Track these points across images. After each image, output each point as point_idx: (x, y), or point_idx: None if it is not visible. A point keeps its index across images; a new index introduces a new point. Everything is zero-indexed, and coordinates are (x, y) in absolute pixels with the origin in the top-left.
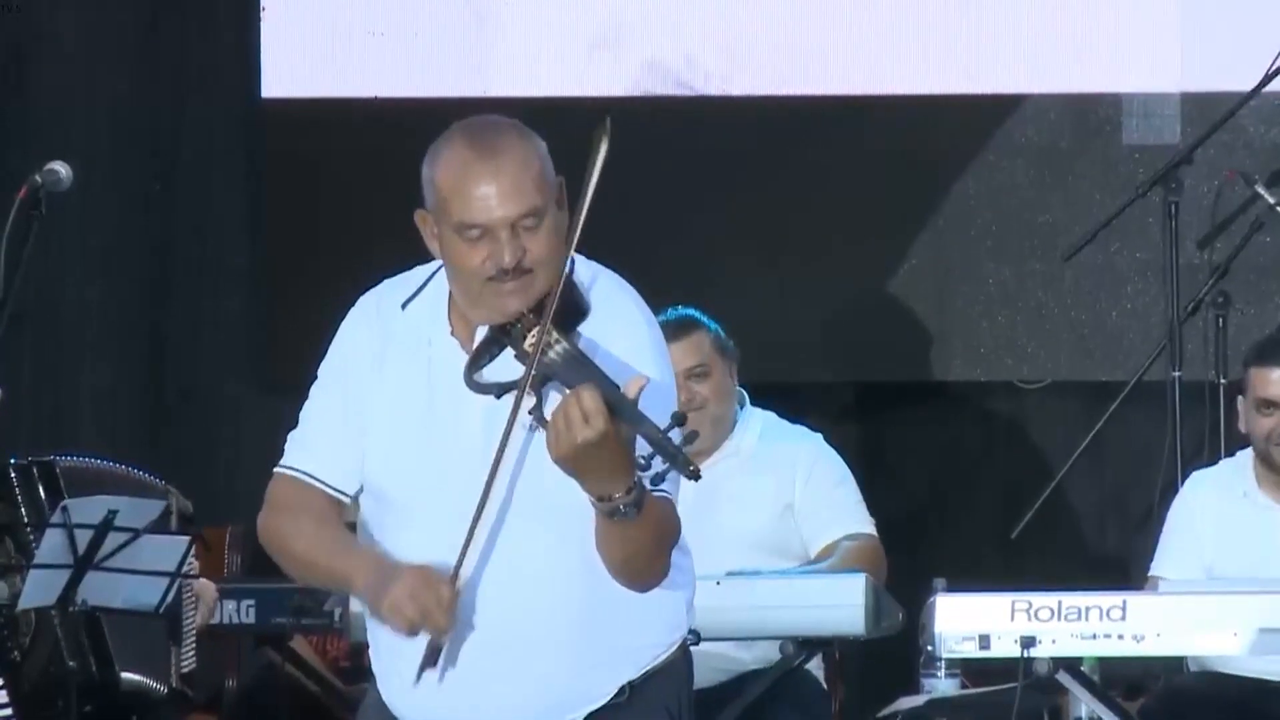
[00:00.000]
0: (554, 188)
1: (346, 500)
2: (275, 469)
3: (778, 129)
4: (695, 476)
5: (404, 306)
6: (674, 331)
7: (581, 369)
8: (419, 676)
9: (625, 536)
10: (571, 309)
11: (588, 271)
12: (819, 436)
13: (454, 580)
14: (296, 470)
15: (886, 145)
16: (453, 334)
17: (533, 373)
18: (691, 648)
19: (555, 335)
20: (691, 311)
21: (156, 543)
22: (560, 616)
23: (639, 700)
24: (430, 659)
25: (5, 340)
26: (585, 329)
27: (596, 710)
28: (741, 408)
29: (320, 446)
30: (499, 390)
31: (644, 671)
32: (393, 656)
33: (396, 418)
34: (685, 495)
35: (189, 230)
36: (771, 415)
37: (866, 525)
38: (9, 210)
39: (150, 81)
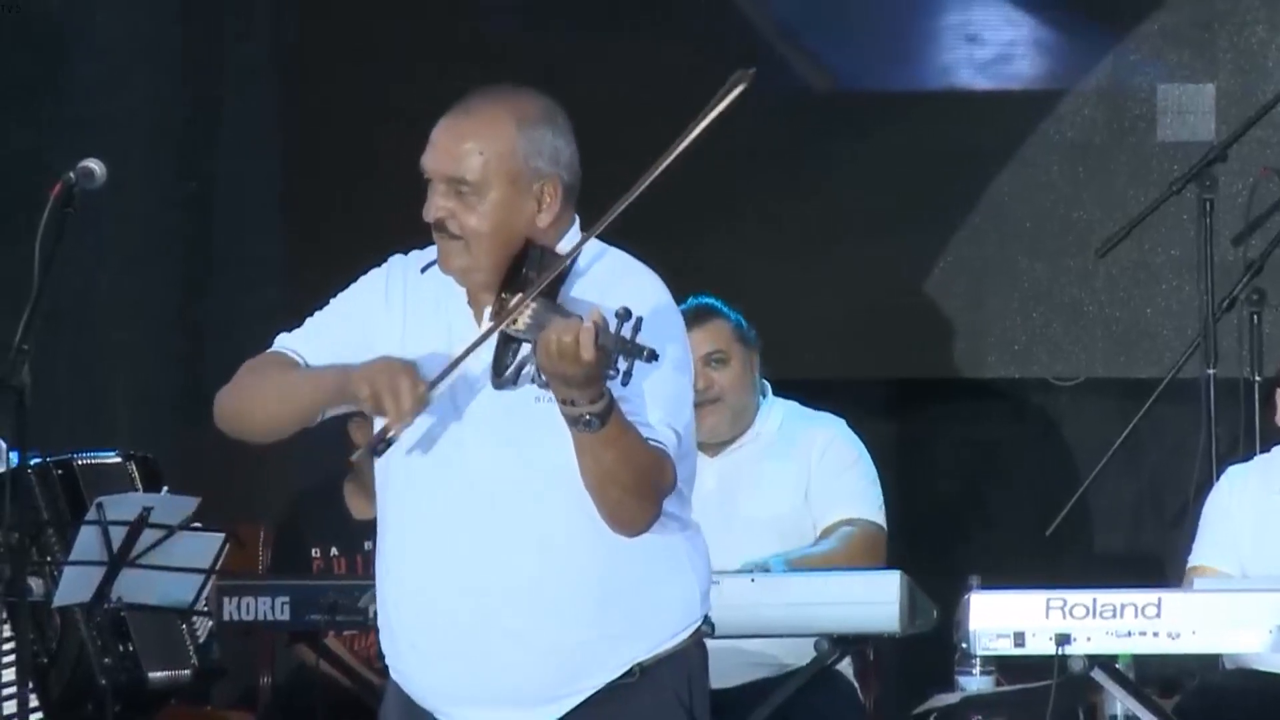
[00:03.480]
0: (521, 173)
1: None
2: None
3: (813, 124)
4: (654, 358)
5: (423, 271)
6: (692, 318)
7: (555, 312)
8: (364, 451)
9: (595, 456)
10: (551, 262)
11: (595, 248)
12: (841, 421)
13: (431, 386)
14: (286, 349)
15: (922, 142)
16: (469, 303)
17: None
18: (725, 644)
19: (534, 302)
20: (710, 299)
21: (190, 539)
22: (574, 585)
23: (649, 683)
24: (379, 442)
25: (41, 338)
26: (576, 290)
27: (605, 690)
28: (764, 398)
29: (315, 341)
30: (515, 375)
31: (655, 653)
32: (401, 630)
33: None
34: (707, 481)
35: (225, 227)
36: (794, 404)
37: (871, 512)
38: (45, 208)
39: (186, 79)
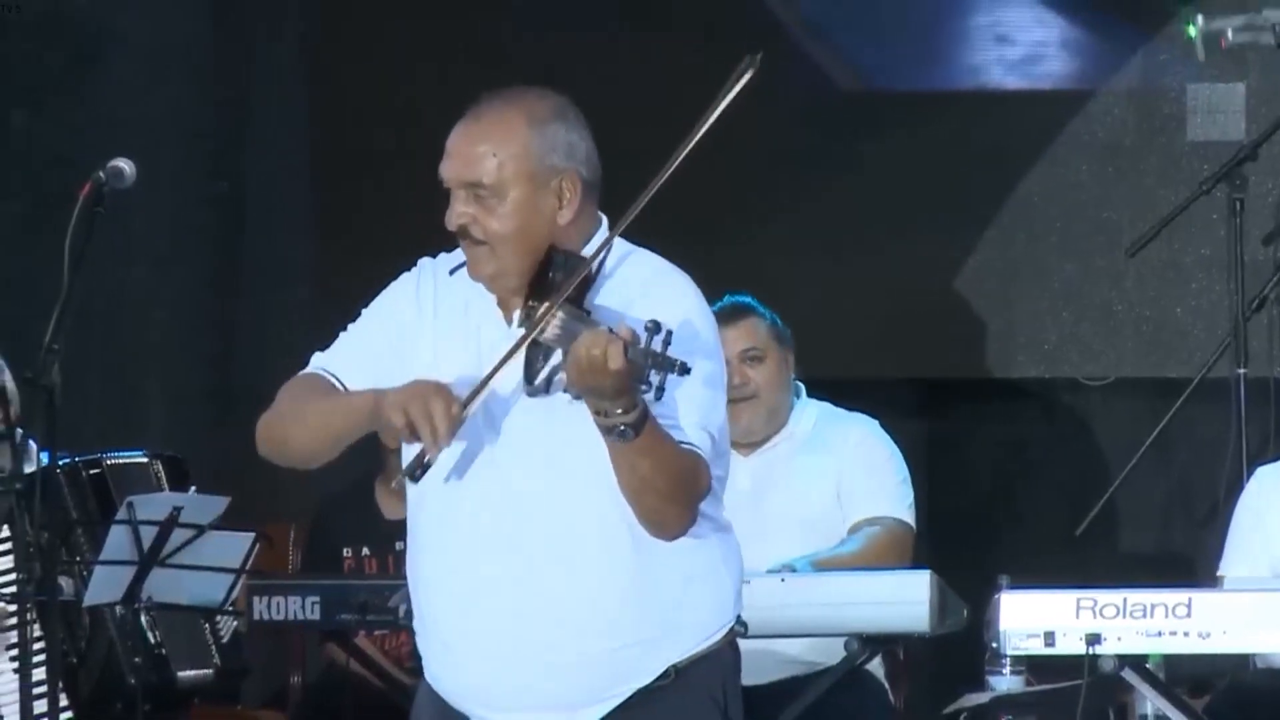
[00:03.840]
0: (538, 171)
1: None
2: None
3: (843, 124)
4: (686, 371)
5: (452, 273)
6: (727, 316)
7: (582, 323)
8: (406, 478)
9: (630, 464)
10: (577, 266)
11: (623, 249)
12: (873, 421)
13: (465, 405)
14: (321, 370)
15: (952, 142)
16: (498, 305)
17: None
18: (755, 643)
19: (560, 310)
20: (746, 298)
21: (221, 539)
22: (610, 590)
23: (684, 684)
24: (417, 468)
25: (71, 337)
26: (605, 293)
27: (641, 692)
28: (798, 397)
29: (349, 359)
30: (547, 383)
31: (690, 655)
32: (435, 633)
33: (440, 376)
34: (741, 480)
35: (255, 227)
36: (827, 404)
37: (899, 510)
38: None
39: (216, 79)
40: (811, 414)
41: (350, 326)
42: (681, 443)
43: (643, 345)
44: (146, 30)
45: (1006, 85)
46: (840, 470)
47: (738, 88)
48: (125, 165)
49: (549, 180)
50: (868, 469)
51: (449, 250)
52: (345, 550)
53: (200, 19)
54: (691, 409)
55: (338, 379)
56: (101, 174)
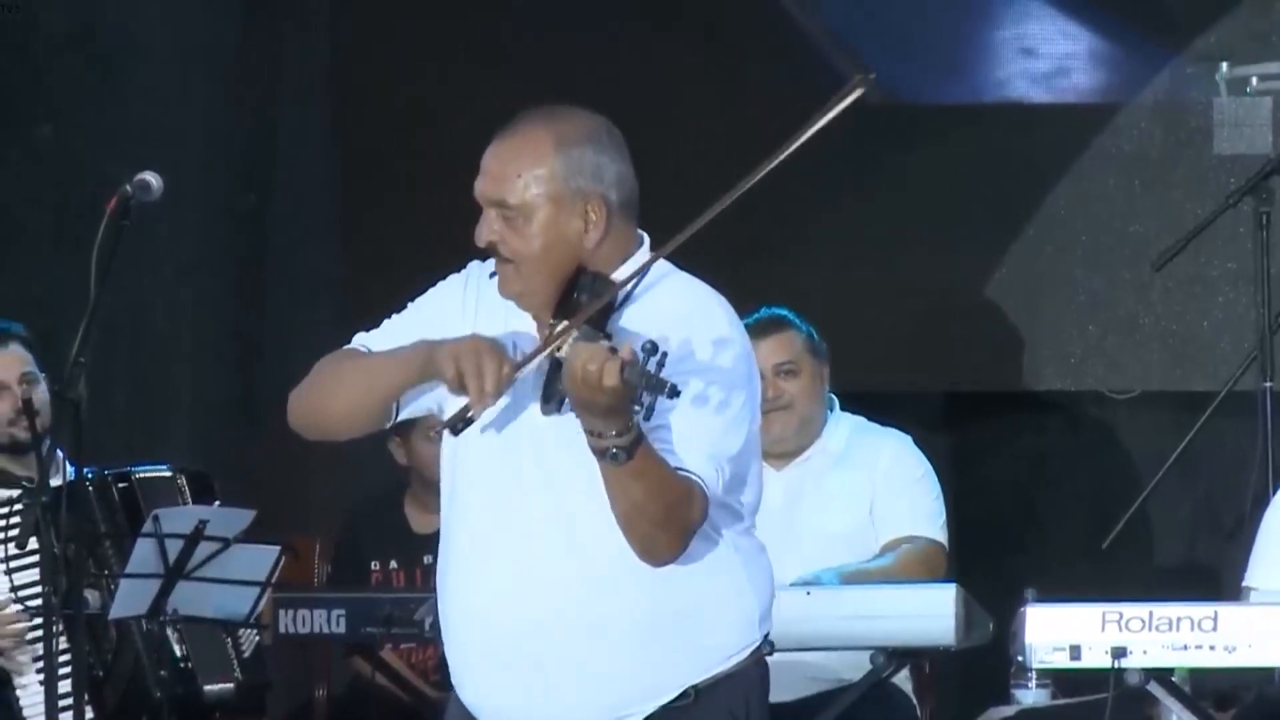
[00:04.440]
0: (564, 193)
1: (390, 409)
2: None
3: (869, 136)
4: (675, 394)
5: (491, 276)
6: (764, 328)
7: (596, 341)
8: (444, 429)
9: (622, 488)
10: (604, 289)
11: (659, 271)
12: (907, 437)
13: (518, 368)
14: (362, 346)
15: (979, 154)
16: (534, 318)
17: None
18: (781, 657)
19: (577, 330)
20: (783, 311)
21: (246, 552)
22: (628, 610)
23: (705, 704)
24: (459, 420)
25: (98, 350)
26: (632, 316)
27: (661, 710)
28: (831, 411)
29: (390, 339)
30: (560, 401)
31: (711, 675)
32: (459, 647)
33: None
34: (773, 494)
35: (282, 239)
36: (860, 418)
37: (933, 530)
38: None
39: (243, 90)
40: (845, 428)
41: (395, 315)
42: (678, 469)
43: (639, 367)
44: (172, 42)
45: (1033, 98)
46: (873, 487)
47: (842, 103)
48: (152, 179)
49: (574, 203)
50: (901, 487)
51: (482, 259)
52: (373, 563)
53: (226, 31)
54: (699, 437)
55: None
56: (128, 187)
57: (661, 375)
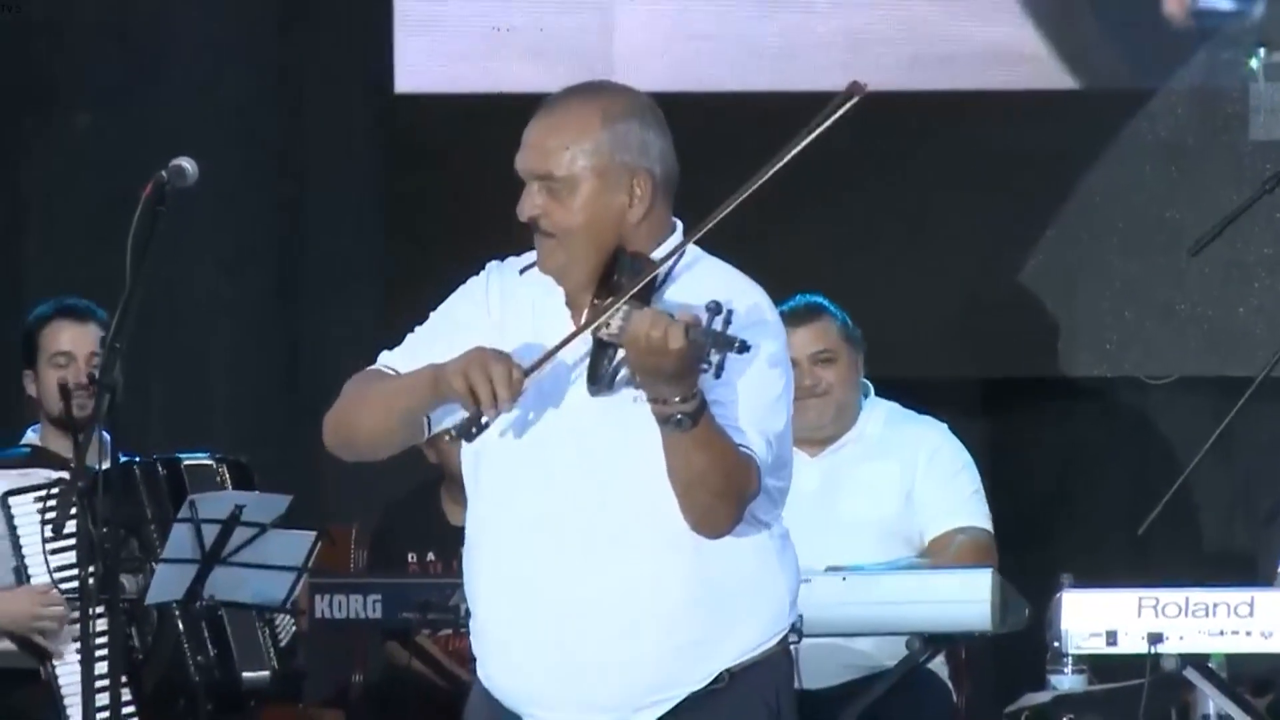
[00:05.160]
0: (610, 167)
1: (423, 423)
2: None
3: (904, 124)
4: (745, 348)
5: (522, 273)
6: (800, 316)
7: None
8: (457, 434)
9: (685, 457)
10: (644, 268)
11: (691, 256)
12: (944, 425)
13: (528, 372)
14: (386, 367)
15: (1014, 141)
16: (567, 303)
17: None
18: (817, 644)
19: (625, 305)
20: (818, 298)
21: (282, 538)
22: (666, 592)
23: (737, 689)
24: (472, 426)
25: (136, 340)
26: (670, 296)
27: (694, 696)
28: (865, 397)
29: (416, 358)
30: (611, 380)
31: (744, 660)
32: (491, 632)
33: None
34: (808, 482)
35: (320, 230)
36: (895, 405)
37: (981, 519)
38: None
39: (281, 79)
40: (880, 414)
41: (418, 328)
42: (739, 445)
43: (704, 323)
44: (210, 31)
45: (1068, 84)
46: (913, 477)
47: (839, 113)
48: (187, 164)
49: (620, 177)
50: (946, 479)
51: (516, 253)
52: (410, 555)
53: (264, 19)
54: (750, 411)
55: (400, 374)
56: (163, 173)
57: (728, 332)
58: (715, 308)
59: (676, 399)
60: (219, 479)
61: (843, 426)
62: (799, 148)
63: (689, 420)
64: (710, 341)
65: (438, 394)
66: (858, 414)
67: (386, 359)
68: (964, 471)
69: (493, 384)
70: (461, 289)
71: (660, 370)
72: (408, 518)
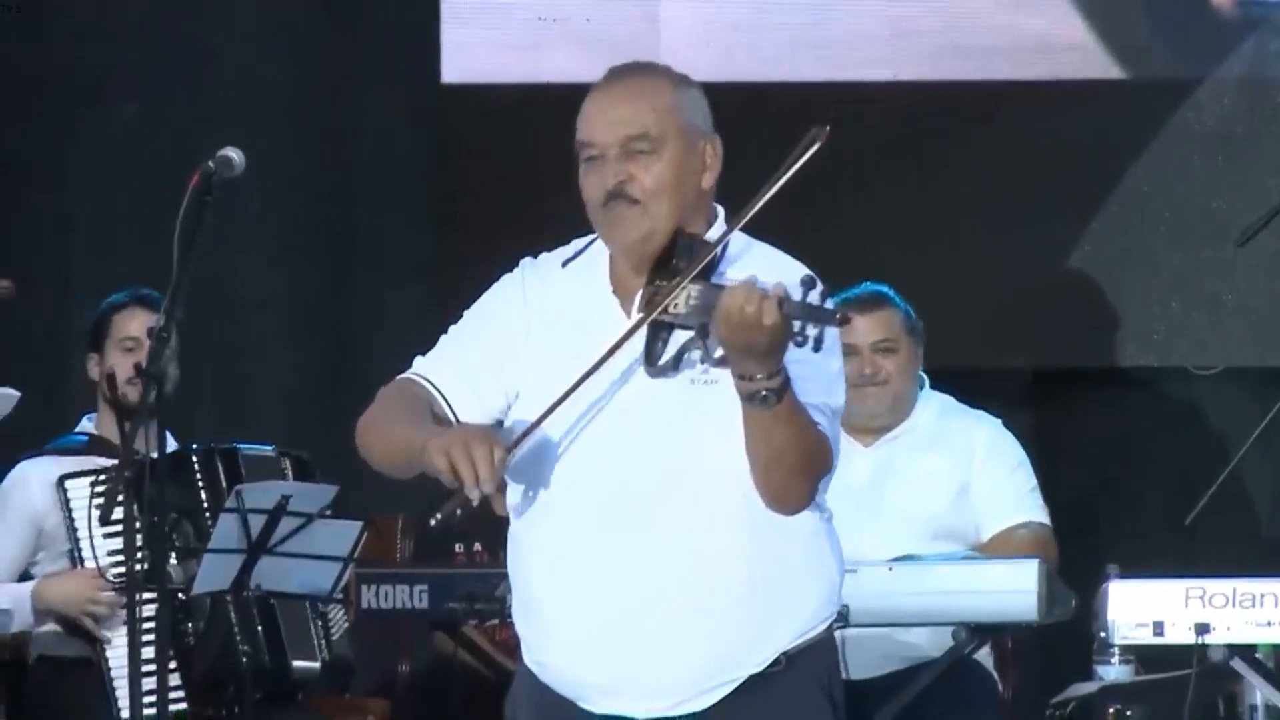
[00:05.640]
0: (689, 129)
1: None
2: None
3: (948, 114)
4: (845, 321)
5: (565, 265)
6: (864, 304)
7: (718, 292)
8: (438, 520)
9: (767, 434)
10: (702, 250)
11: (742, 241)
12: (998, 421)
13: (510, 449)
14: (418, 375)
15: (1060, 131)
16: (614, 293)
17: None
18: (864, 634)
19: (693, 284)
20: (883, 288)
21: (329, 527)
22: (724, 574)
23: (794, 671)
24: (452, 512)
25: (185, 332)
26: (727, 278)
27: (751, 679)
28: (921, 389)
29: (448, 365)
30: (676, 361)
31: (800, 642)
32: (545, 618)
33: (553, 372)
34: (861, 471)
35: (369, 220)
36: (949, 398)
37: (1040, 514)
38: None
39: (328, 69)
40: (934, 407)
41: (451, 329)
42: (814, 421)
43: (798, 299)
44: (258, 21)
45: (1114, 74)
46: (967, 473)
47: (802, 156)
48: (234, 154)
49: (696, 141)
50: (1003, 475)
51: (562, 242)
52: (457, 546)
53: (310, 9)
54: (819, 391)
55: (434, 385)
56: (210, 163)
57: (825, 305)
58: (810, 281)
59: (762, 375)
60: (282, 472)
61: (898, 417)
62: (772, 191)
63: (774, 396)
64: (807, 315)
65: (422, 463)
66: (914, 405)
67: (420, 366)
68: (1021, 467)
69: (474, 464)
70: (494, 288)
71: (751, 346)
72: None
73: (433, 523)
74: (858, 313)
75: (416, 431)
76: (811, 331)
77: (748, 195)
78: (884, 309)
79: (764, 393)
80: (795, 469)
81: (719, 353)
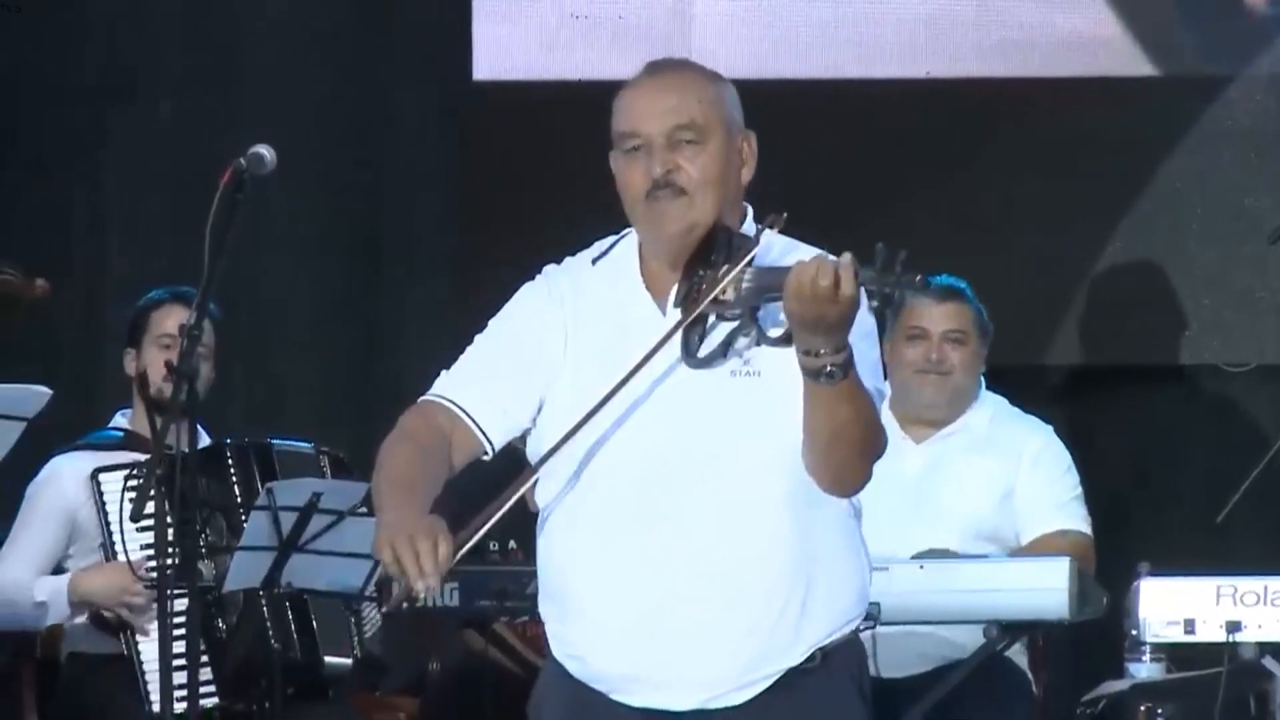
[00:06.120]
0: (729, 123)
1: (487, 448)
2: (420, 400)
3: (982, 111)
4: (925, 286)
5: (594, 263)
6: (942, 294)
7: (778, 274)
8: (390, 607)
9: (830, 411)
10: (742, 244)
11: (782, 240)
12: (1048, 427)
13: (458, 546)
14: (442, 398)
15: (1092, 128)
16: (646, 288)
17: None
18: (895, 631)
19: (744, 272)
20: (960, 283)
21: (360, 525)
22: (764, 569)
23: (829, 667)
24: (400, 602)
25: (217, 329)
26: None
27: (787, 675)
28: (979, 390)
29: (475, 385)
30: (723, 349)
31: (834, 637)
32: (580, 612)
33: (591, 370)
34: (911, 467)
35: (399, 217)
36: (1004, 401)
37: (1082, 523)
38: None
39: (360, 67)
40: (988, 409)
41: (475, 343)
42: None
43: (876, 266)
44: (289, 19)
45: (1147, 71)
46: (1014, 477)
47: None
48: (265, 151)
49: (735, 135)
50: (1049, 481)
51: (587, 243)
52: (491, 543)
53: (342, 7)
54: (867, 376)
55: (458, 405)
56: (242, 160)
57: (909, 272)
58: (884, 249)
59: (829, 350)
60: (321, 469)
61: (954, 412)
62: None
63: (840, 372)
64: (886, 281)
65: (374, 551)
66: (970, 404)
67: (444, 387)
68: (1068, 474)
69: (418, 560)
70: (518, 297)
71: (823, 319)
72: (489, 504)
73: (381, 611)
74: (934, 299)
75: (390, 500)
76: (897, 297)
77: (784, 191)
78: (958, 300)
79: (830, 368)
80: (856, 447)
81: (774, 332)
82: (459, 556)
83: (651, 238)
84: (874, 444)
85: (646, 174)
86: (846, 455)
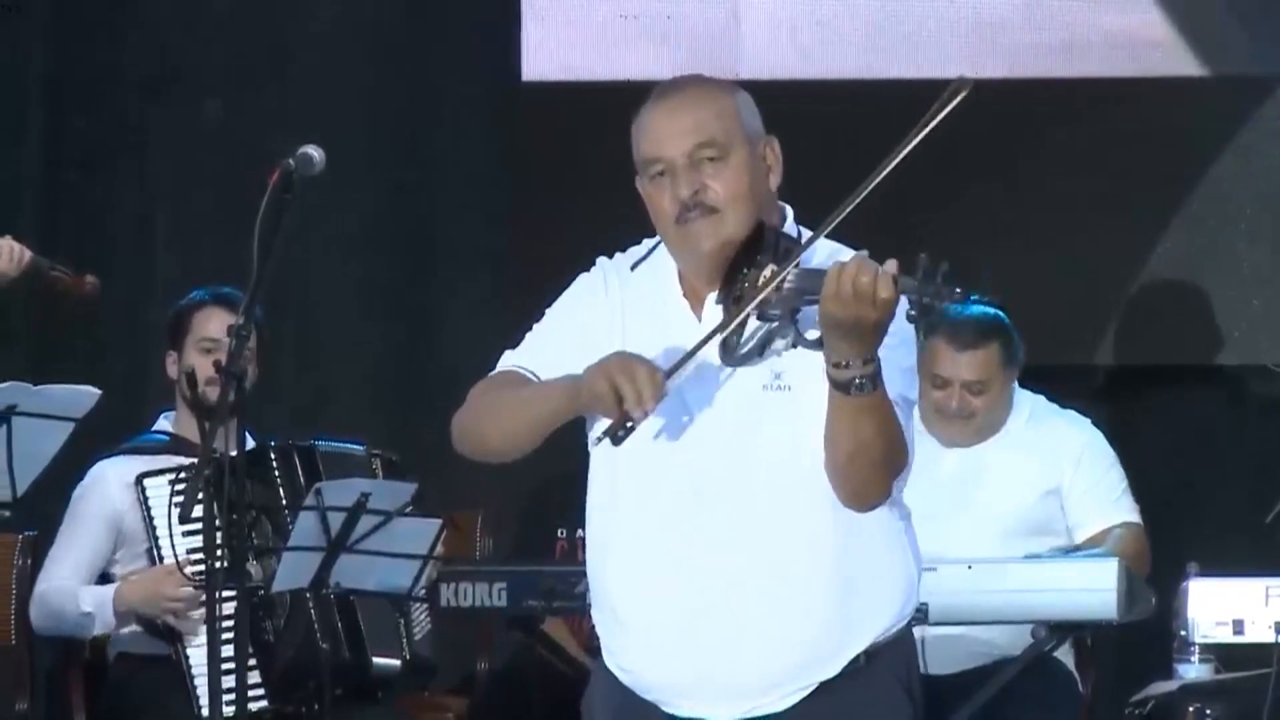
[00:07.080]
0: (749, 133)
1: None
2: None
3: (1029, 111)
4: (963, 299)
5: (633, 268)
6: (967, 342)
7: (821, 274)
8: (603, 437)
9: (854, 424)
10: (790, 245)
11: (829, 245)
12: (1087, 421)
13: (668, 375)
14: (515, 366)
15: (1140, 128)
16: (684, 296)
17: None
18: (943, 631)
19: (791, 271)
20: (993, 312)
21: (408, 525)
22: (809, 573)
23: (875, 669)
24: (619, 428)
25: (266, 326)
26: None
27: (835, 677)
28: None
29: (544, 354)
30: (760, 348)
31: (881, 639)
32: (629, 619)
33: None
34: (948, 467)
35: (446, 217)
36: (1041, 398)
37: (1134, 514)
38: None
39: (408, 65)
40: (1025, 409)
41: (536, 326)
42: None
43: (918, 275)
44: (337, 18)
45: (1195, 71)
46: (1058, 476)
47: (949, 108)
48: (314, 151)
49: (758, 143)
50: (1098, 477)
51: (635, 241)
52: (560, 531)
53: (390, 5)
54: (897, 382)
55: (532, 373)
56: (290, 160)
57: (952, 285)
58: (927, 260)
59: (858, 360)
60: (373, 471)
61: (984, 436)
62: (915, 140)
63: (869, 383)
64: (928, 293)
65: (578, 403)
66: (1004, 419)
67: (513, 359)
68: (1114, 468)
69: (637, 384)
70: (575, 285)
71: (859, 324)
72: (559, 495)
73: (598, 440)
74: (958, 349)
75: (548, 384)
76: (938, 305)
77: (830, 192)
78: (985, 348)
79: (859, 379)
80: (878, 462)
81: (812, 334)
82: (668, 389)
83: (687, 259)
84: (897, 460)
85: (674, 198)
86: (869, 469)
